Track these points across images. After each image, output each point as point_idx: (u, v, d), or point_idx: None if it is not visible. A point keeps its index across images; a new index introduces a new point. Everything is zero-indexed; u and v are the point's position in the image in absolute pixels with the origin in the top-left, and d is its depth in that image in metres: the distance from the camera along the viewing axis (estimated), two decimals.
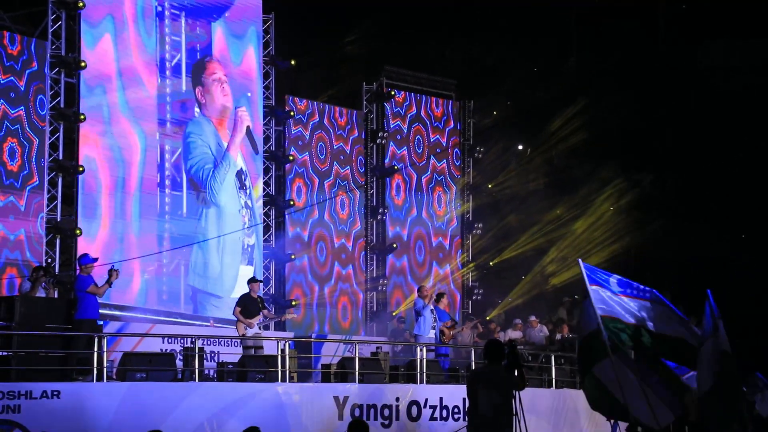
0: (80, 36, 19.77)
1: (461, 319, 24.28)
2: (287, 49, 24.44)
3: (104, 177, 20.03)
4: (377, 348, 19.50)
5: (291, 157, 23.94)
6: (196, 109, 22.20)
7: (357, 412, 15.38)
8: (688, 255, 26.76)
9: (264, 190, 23.57)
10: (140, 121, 20.73)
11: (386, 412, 15.78)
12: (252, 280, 18.02)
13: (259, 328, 17.24)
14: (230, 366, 15.75)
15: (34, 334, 14.08)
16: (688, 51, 29.59)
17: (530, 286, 28.45)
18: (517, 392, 11.18)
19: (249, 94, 23.21)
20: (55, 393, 12.95)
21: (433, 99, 27.50)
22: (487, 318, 22.22)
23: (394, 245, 25.97)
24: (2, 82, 18.94)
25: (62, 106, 19.72)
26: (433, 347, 18.29)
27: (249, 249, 22.90)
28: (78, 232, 19.32)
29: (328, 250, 24.70)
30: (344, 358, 17.28)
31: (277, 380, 15.19)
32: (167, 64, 21.56)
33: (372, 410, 15.61)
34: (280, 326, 21.62)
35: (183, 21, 22.02)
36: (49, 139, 19.56)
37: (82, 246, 18.85)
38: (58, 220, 19.61)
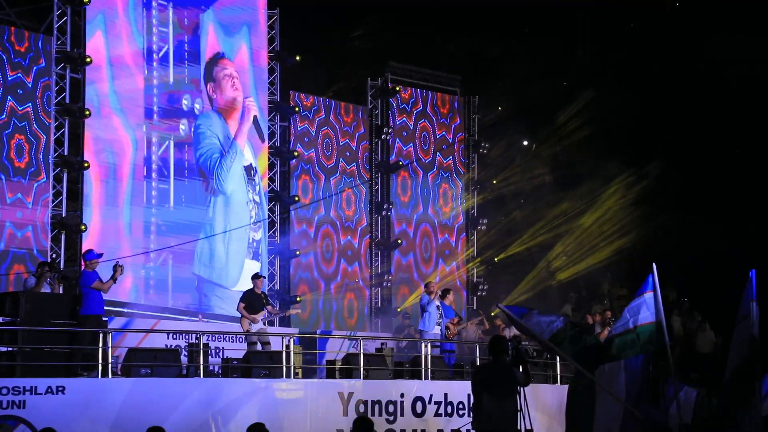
0: (85, 32, 19.80)
1: (467, 315, 24.23)
2: (292, 45, 24.44)
3: (93, 167, 19.84)
4: (382, 344, 19.47)
5: (296, 153, 23.96)
6: (205, 103, 22.34)
7: (362, 408, 15.38)
8: (693, 249, 26.69)
9: (269, 186, 23.60)
10: (128, 113, 20.69)
11: (391, 408, 15.77)
12: (256, 276, 18.00)
13: (264, 324, 17.24)
14: (235, 362, 15.76)
15: (39, 330, 14.12)
16: (692, 45, 29.52)
17: (536, 282, 28.40)
18: (521, 388, 11.20)
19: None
20: (60, 389, 12.93)
21: (439, 95, 27.46)
22: (492, 314, 22.16)
23: (400, 241, 25.96)
24: (10, 78, 18.94)
25: (68, 101, 19.74)
26: (438, 343, 18.27)
27: (255, 244, 22.95)
28: (83, 228, 19.37)
29: (334, 246, 24.72)
30: (349, 354, 17.25)
31: (282, 376, 15.19)
32: (154, 55, 21.53)
33: (377, 406, 15.60)
34: (285, 322, 21.60)
35: (170, 12, 21.97)
36: (55, 134, 19.58)
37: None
38: (63, 215, 19.64)
